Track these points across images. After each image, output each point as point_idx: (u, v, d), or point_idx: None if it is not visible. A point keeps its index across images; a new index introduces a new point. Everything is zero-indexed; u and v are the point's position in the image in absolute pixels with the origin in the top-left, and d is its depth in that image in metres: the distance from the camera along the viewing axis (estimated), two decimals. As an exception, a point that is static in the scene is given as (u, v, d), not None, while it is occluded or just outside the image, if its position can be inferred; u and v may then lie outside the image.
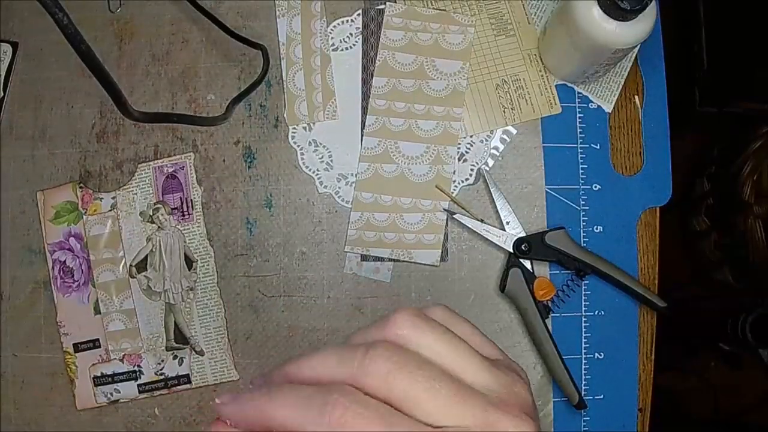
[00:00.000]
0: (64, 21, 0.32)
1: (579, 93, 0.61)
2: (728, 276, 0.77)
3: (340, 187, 0.61)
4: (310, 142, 0.61)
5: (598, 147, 0.61)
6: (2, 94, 0.64)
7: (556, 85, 0.61)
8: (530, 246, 0.59)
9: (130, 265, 0.62)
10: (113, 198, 0.63)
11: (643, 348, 0.62)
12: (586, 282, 0.61)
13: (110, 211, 0.63)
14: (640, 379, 0.61)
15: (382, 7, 0.62)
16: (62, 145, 0.63)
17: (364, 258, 0.60)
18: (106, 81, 0.36)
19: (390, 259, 0.60)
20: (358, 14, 0.62)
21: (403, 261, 0.60)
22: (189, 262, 0.62)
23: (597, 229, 0.61)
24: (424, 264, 0.60)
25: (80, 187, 0.63)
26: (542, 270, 0.60)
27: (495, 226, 0.60)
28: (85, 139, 0.63)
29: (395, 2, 0.62)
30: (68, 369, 0.63)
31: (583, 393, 0.60)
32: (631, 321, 0.61)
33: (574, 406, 0.59)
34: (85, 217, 0.63)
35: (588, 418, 0.61)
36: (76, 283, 0.63)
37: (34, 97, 0.63)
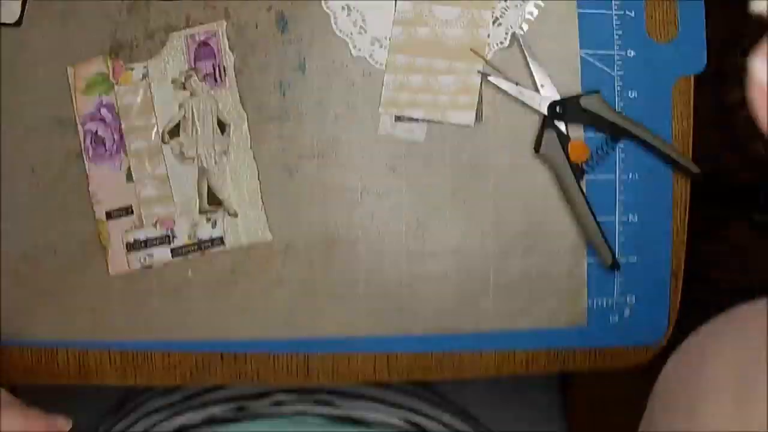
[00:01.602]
0: None
1: (615, -42, 0.61)
2: (762, 148, 0.77)
3: (374, 50, 0.61)
4: (343, 6, 0.61)
5: (632, 14, 0.61)
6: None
7: (592, -50, 0.61)
8: (565, 109, 0.59)
9: (163, 131, 0.63)
10: (145, 67, 0.63)
11: (677, 212, 0.62)
12: (620, 146, 0.61)
13: (142, 80, 0.63)
14: (674, 243, 0.62)
15: None
16: (92, 18, 0.62)
17: (398, 119, 0.61)
18: None
19: (424, 120, 0.60)
20: None
21: (437, 122, 0.60)
22: (222, 126, 0.62)
23: (632, 94, 0.61)
24: (459, 125, 0.61)
25: (111, 58, 0.63)
26: (577, 133, 0.61)
27: (530, 89, 0.60)
28: (116, 10, 0.62)
29: None
30: (101, 237, 0.63)
31: (616, 254, 0.61)
32: (666, 185, 0.62)
33: (607, 267, 0.59)
34: (117, 87, 0.63)
35: (621, 279, 0.62)
36: (108, 152, 0.63)
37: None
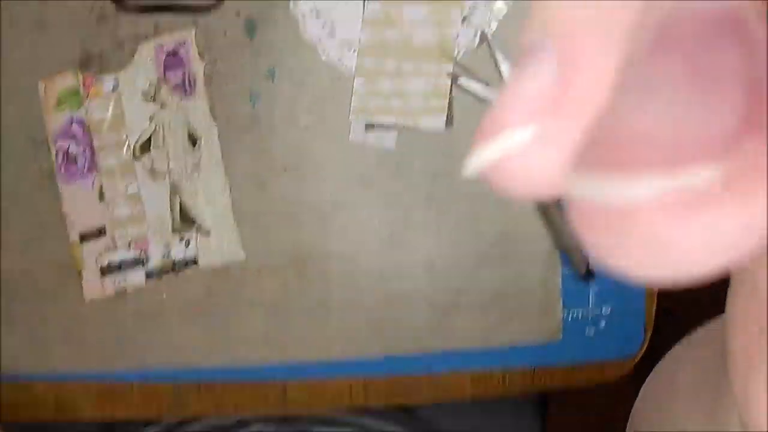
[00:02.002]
0: None
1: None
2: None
3: (343, 55, 0.60)
4: (311, 10, 0.60)
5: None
6: (-1, -16, 0.63)
7: (561, -55, 0.60)
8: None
9: (134, 147, 0.62)
10: (115, 79, 0.62)
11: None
12: (596, 144, 0.59)
13: (112, 92, 0.62)
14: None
15: None
16: (62, 31, 0.62)
17: (369, 126, 0.59)
18: None
19: (395, 126, 0.59)
20: None
21: (409, 127, 0.59)
22: (193, 139, 0.61)
23: (607, 90, 0.60)
24: (430, 129, 0.59)
25: (81, 71, 0.62)
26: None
27: (500, 90, 0.58)
28: (84, 22, 0.62)
29: None
30: (75, 260, 0.62)
31: (590, 264, 0.59)
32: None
33: (582, 276, 0.57)
34: (87, 101, 0.62)
35: (596, 290, 0.60)
36: (80, 171, 0.62)
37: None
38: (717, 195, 0.09)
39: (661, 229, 0.10)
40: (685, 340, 0.39)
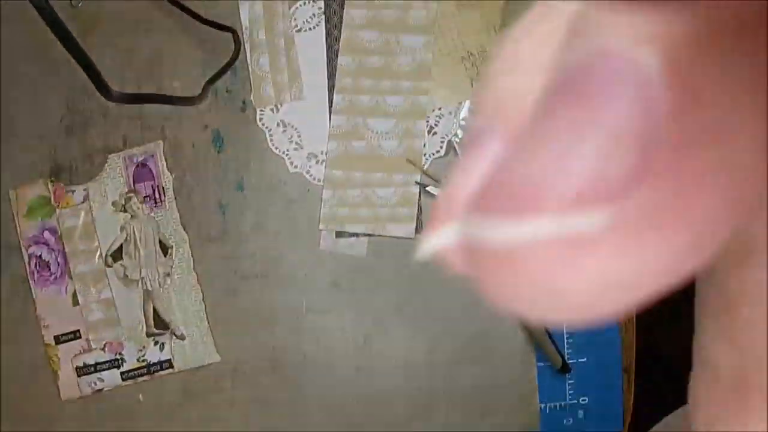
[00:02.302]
0: (41, 3, 0.31)
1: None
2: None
3: (311, 166, 0.61)
4: (278, 123, 0.61)
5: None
6: (-32, 91, 0.63)
7: (521, 54, 0.61)
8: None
9: (106, 255, 0.62)
10: (85, 190, 0.63)
11: (622, 310, 0.62)
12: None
13: (83, 203, 0.63)
14: (623, 339, 0.62)
15: (343, -16, 0.62)
16: (32, 141, 0.62)
17: (339, 234, 0.61)
18: (86, 62, 0.35)
19: (365, 235, 0.60)
20: (320, -7, 0.62)
21: (378, 235, 0.60)
22: (164, 248, 0.62)
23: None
24: (400, 237, 0.60)
25: (51, 182, 0.63)
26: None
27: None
28: (54, 132, 0.62)
29: (356, -21, 0.62)
30: (50, 361, 0.63)
31: (566, 356, 0.61)
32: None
33: (558, 371, 0.59)
34: (58, 210, 0.63)
35: (572, 381, 0.62)
36: (53, 276, 0.63)
37: (0, 93, 0.63)
38: (605, 240, 0.09)
39: (549, 273, 0.10)
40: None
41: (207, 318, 0.62)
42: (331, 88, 0.61)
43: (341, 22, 0.61)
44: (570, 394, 0.62)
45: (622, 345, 0.62)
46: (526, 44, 0.13)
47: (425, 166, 0.61)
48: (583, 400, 0.62)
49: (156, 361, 0.62)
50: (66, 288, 0.63)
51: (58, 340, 0.63)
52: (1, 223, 0.62)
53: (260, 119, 0.61)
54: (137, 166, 0.62)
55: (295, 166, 0.61)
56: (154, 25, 0.63)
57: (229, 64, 0.60)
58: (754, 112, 0.10)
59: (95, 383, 0.63)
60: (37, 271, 0.63)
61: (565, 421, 0.62)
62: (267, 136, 0.61)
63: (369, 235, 0.60)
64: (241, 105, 0.61)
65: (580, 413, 0.62)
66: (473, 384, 0.61)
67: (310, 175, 0.61)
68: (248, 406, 0.62)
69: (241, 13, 0.62)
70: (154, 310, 0.62)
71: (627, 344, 0.61)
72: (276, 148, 0.61)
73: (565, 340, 0.61)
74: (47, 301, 0.63)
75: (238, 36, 0.61)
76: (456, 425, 0.61)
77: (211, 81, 0.58)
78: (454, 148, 0.61)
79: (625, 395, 0.63)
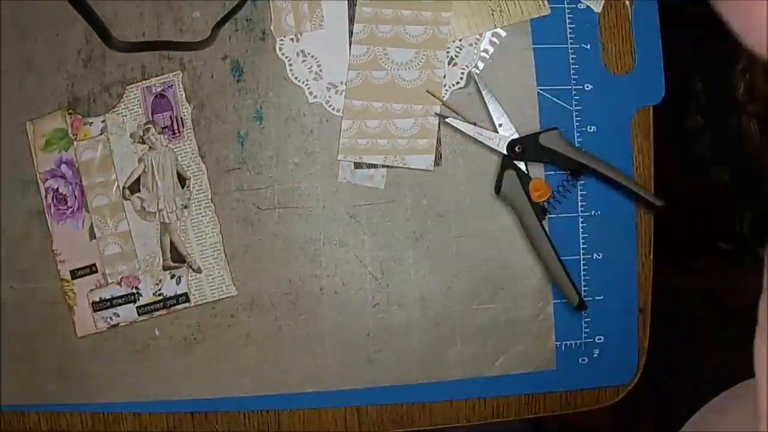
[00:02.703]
0: None
1: (567, -7, 0.61)
2: (724, 174, 0.77)
3: (330, 96, 0.60)
4: (298, 52, 0.60)
5: (588, 47, 0.61)
6: (-15, 25, 0.63)
7: (544, -15, 0.60)
8: (524, 147, 0.59)
9: (123, 187, 0.62)
10: (103, 121, 0.62)
11: (641, 248, 0.61)
12: (581, 182, 0.60)
13: (100, 135, 0.62)
14: (639, 279, 0.61)
15: None
16: (49, 73, 0.62)
17: (358, 166, 0.60)
18: (87, 13, 0.35)
19: (383, 166, 0.60)
20: None
21: (397, 167, 0.60)
22: (182, 180, 0.62)
23: (591, 129, 0.61)
24: (418, 169, 0.60)
25: (69, 114, 0.62)
26: (537, 171, 0.60)
27: (488, 129, 0.59)
28: (72, 65, 0.62)
29: None
30: (66, 297, 0.63)
31: (582, 294, 0.60)
32: (629, 220, 0.61)
33: (574, 308, 0.59)
34: (75, 142, 0.62)
35: (588, 319, 0.61)
36: (70, 210, 0.63)
37: (19, 27, 0.63)
38: None
39: None
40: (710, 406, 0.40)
41: (224, 251, 0.61)
42: (351, 18, 0.60)
43: (362, -47, 0.60)
44: (586, 333, 0.62)
45: (639, 284, 0.61)
46: None
47: (445, 98, 0.60)
48: (598, 339, 0.62)
49: (172, 294, 0.62)
50: (83, 221, 0.63)
51: (75, 274, 0.63)
52: (18, 156, 0.62)
53: (280, 49, 0.61)
54: (155, 96, 0.62)
55: (315, 96, 0.60)
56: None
57: (240, 5, 0.59)
58: None
59: (111, 318, 0.63)
60: (54, 205, 0.63)
61: (580, 360, 0.62)
62: (286, 65, 0.61)
63: (387, 166, 0.60)
64: (260, 35, 0.61)
65: (596, 352, 0.62)
66: (489, 320, 0.61)
67: (330, 106, 0.60)
68: (263, 341, 0.61)
69: (260, -56, 0.61)
70: (171, 243, 0.62)
71: (643, 283, 0.61)
72: (295, 78, 0.61)
73: (582, 278, 0.61)
74: (64, 235, 0.63)
75: (254, -33, 0.60)
76: (470, 362, 0.61)
77: (221, 23, 0.57)
78: (474, 79, 0.60)
79: (640, 335, 0.62)
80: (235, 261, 0.61)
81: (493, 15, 0.60)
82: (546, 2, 0.60)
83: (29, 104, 0.62)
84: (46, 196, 0.63)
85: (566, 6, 0.61)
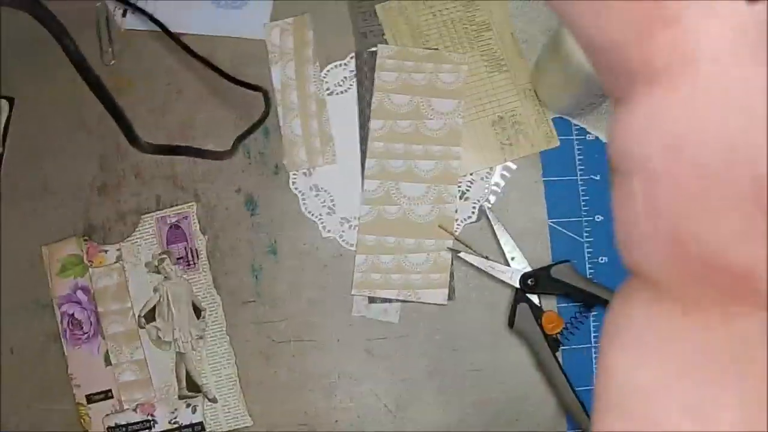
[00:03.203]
0: (71, 48, 0.31)
1: (576, 125, 0.61)
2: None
3: (343, 231, 0.61)
4: (311, 187, 0.61)
5: (598, 178, 0.62)
6: (1, 149, 0.64)
7: (552, 119, 0.61)
8: (536, 280, 0.59)
9: (139, 316, 0.63)
10: (118, 250, 0.63)
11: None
12: (594, 313, 0.61)
13: (116, 263, 0.63)
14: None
15: (374, 49, 0.62)
16: (65, 199, 0.63)
17: (372, 300, 0.61)
18: (116, 112, 0.35)
19: (397, 300, 0.60)
20: (351, 57, 0.62)
21: (411, 301, 0.60)
22: (197, 310, 0.62)
23: (602, 260, 0.61)
24: (432, 303, 0.61)
25: (85, 240, 0.63)
26: (550, 303, 0.61)
27: (500, 263, 0.60)
28: (87, 192, 0.63)
29: (387, 44, 0.62)
30: (82, 420, 0.63)
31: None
32: (640, 349, 0.61)
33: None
34: (91, 269, 0.63)
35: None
36: (86, 335, 0.63)
37: (34, 152, 0.64)
38: None
39: None
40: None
41: (239, 381, 0.62)
42: (363, 153, 0.61)
43: (372, 86, 0.61)
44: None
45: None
46: None
47: (457, 232, 0.61)
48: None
49: (188, 423, 0.63)
50: (98, 347, 0.63)
51: (90, 399, 0.63)
52: (35, 280, 0.63)
53: (293, 183, 0.61)
54: (170, 227, 0.63)
55: (328, 231, 0.61)
56: (187, 86, 0.63)
57: (260, 122, 0.60)
58: None
59: (127, 443, 0.63)
60: (70, 330, 0.64)
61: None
62: (300, 200, 0.61)
63: (402, 300, 0.61)
64: (273, 168, 0.62)
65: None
66: (505, 450, 0.61)
67: (343, 240, 0.61)
68: (280, 470, 0.62)
69: (272, 75, 0.62)
70: (187, 372, 0.63)
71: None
72: (309, 212, 0.61)
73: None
74: (79, 360, 0.63)
75: (268, 95, 0.61)
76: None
77: (242, 137, 0.58)
78: (486, 213, 0.61)
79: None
80: (251, 391, 0.62)
81: (503, 149, 0.61)
82: (555, 134, 0.61)
83: (45, 228, 0.63)
84: (62, 321, 0.64)
85: (575, 137, 0.62)
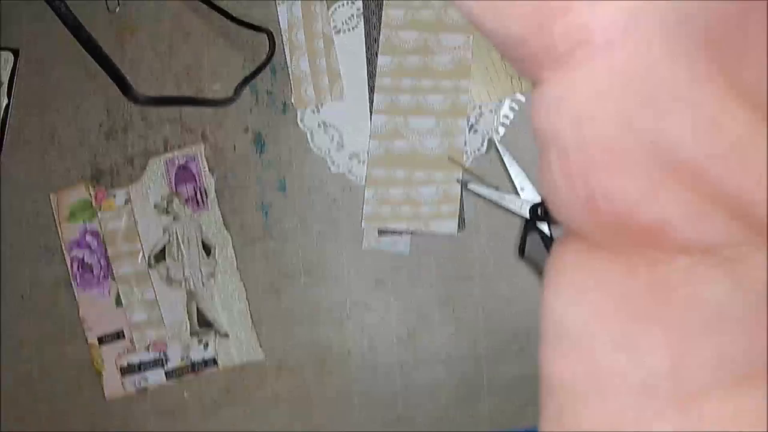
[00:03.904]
0: (61, 9, 0.31)
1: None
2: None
3: (352, 166, 0.61)
4: (319, 123, 0.61)
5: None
6: (8, 101, 0.64)
7: (559, 50, 0.62)
8: (546, 210, 0.60)
9: (149, 257, 0.63)
10: (126, 193, 0.63)
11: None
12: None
13: (125, 205, 0.63)
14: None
15: (381, -16, 0.62)
16: (72, 146, 0.63)
17: (382, 232, 0.61)
18: (109, 67, 0.36)
19: (408, 232, 0.61)
20: (359, -6, 0.62)
21: (421, 233, 0.61)
22: (207, 248, 0.63)
23: (609, 190, 0.62)
24: (442, 234, 0.61)
25: (93, 185, 0.63)
26: (560, 232, 0.61)
27: (510, 193, 0.60)
28: (94, 137, 0.63)
29: (394, -22, 0.62)
30: (94, 362, 0.63)
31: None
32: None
33: None
34: (100, 213, 0.63)
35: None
36: (96, 278, 0.64)
37: (40, 101, 0.63)
38: None
39: None
40: None
41: (251, 316, 0.62)
42: (371, 88, 0.61)
43: (380, 23, 0.61)
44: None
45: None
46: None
47: (467, 164, 0.61)
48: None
49: (200, 359, 0.63)
50: (109, 290, 0.64)
51: (102, 340, 0.64)
52: (43, 227, 0.63)
53: (301, 120, 0.62)
54: (179, 168, 0.63)
55: (337, 166, 0.61)
56: (193, 29, 0.63)
57: (263, 65, 0.60)
58: None
59: (140, 382, 0.64)
60: (80, 274, 0.64)
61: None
62: (308, 136, 0.62)
63: (411, 232, 0.61)
64: (281, 106, 0.62)
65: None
66: (516, 376, 0.62)
67: (352, 175, 0.61)
68: (292, 403, 0.62)
69: (279, 15, 0.62)
70: (198, 309, 0.63)
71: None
72: (317, 149, 0.62)
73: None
74: (90, 303, 0.64)
75: (272, 36, 0.61)
76: (498, 417, 0.62)
77: (244, 83, 0.58)
78: (495, 144, 0.61)
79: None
80: (262, 326, 0.62)
81: (512, 81, 0.61)
82: (562, 67, 0.61)
83: (52, 176, 0.63)
84: (71, 265, 0.64)
85: (582, 69, 0.62)
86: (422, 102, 0.60)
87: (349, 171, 0.61)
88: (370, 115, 0.61)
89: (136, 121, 0.63)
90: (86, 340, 0.64)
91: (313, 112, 0.61)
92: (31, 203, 0.63)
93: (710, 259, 0.16)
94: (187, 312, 0.63)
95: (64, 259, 0.64)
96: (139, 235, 0.63)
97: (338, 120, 0.61)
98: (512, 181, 0.61)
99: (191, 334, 0.63)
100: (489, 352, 0.62)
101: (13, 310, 0.63)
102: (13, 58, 0.64)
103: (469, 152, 0.61)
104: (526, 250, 0.60)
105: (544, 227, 0.60)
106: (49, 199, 0.63)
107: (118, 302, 0.63)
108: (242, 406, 0.63)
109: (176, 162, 0.63)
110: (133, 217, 0.63)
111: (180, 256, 0.63)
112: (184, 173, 0.62)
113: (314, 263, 0.62)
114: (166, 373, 0.63)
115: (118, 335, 0.64)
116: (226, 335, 0.63)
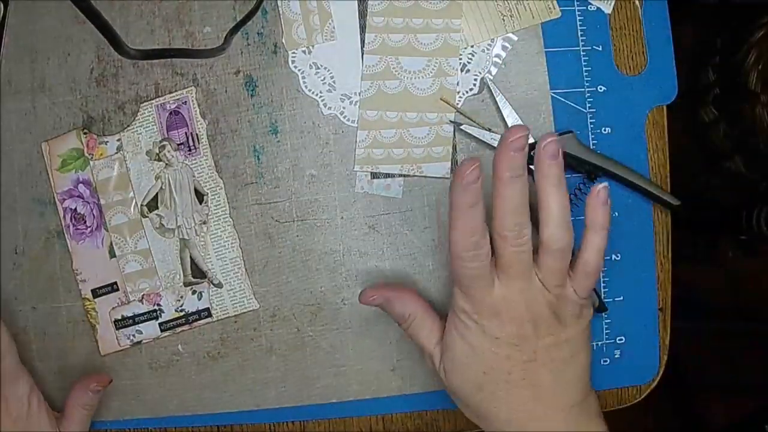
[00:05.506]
0: None
1: (578, -5, 0.61)
2: (740, 165, 0.76)
3: (344, 107, 0.60)
4: (310, 65, 0.61)
5: (600, 49, 0.61)
6: (-3, 50, 0.63)
7: (553, -11, 0.61)
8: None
9: (141, 205, 0.62)
10: (118, 140, 0.62)
11: (659, 247, 0.61)
12: (599, 184, 0.60)
13: (116, 153, 0.63)
14: (659, 278, 0.61)
15: (372, -77, 0.61)
16: (62, 94, 0.62)
17: (374, 176, 0.60)
18: (100, 22, 0.35)
19: (400, 175, 0.60)
20: (349, -68, 0.61)
21: (413, 176, 0.60)
22: (200, 195, 0.62)
23: (605, 130, 0.61)
24: (435, 177, 0.60)
25: (84, 133, 0.62)
26: (553, 174, 0.60)
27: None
28: (85, 84, 0.62)
29: None
30: (89, 315, 0.63)
31: (602, 295, 0.60)
32: (646, 220, 0.61)
33: (594, 310, 0.59)
34: (92, 162, 0.63)
35: (609, 321, 0.62)
36: (89, 229, 0.63)
37: (29, 49, 0.63)
38: None
39: None
40: None
41: (244, 265, 0.62)
42: (362, 28, 0.60)
43: (370, -38, 0.60)
44: (606, 334, 0.62)
45: (658, 283, 0.61)
46: None
47: (459, 105, 0.60)
48: (620, 340, 0.62)
49: (194, 310, 0.62)
50: (102, 240, 0.63)
51: (96, 293, 0.63)
52: (34, 177, 0.62)
53: (292, 62, 0.61)
54: (170, 113, 0.62)
55: (329, 108, 0.61)
56: (182, -28, 0.63)
57: (253, 12, 0.59)
58: None
59: (134, 336, 0.63)
60: (73, 225, 0.63)
61: (602, 361, 0.62)
62: (300, 78, 0.61)
63: (404, 175, 0.60)
64: (272, 48, 0.61)
65: (617, 353, 0.62)
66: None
67: (344, 117, 0.60)
68: (287, 352, 0.62)
69: (269, -44, 0.62)
70: (191, 259, 0.62)
71: (662, 282, 0.61)
72: (309, 91, 0.61)
73: (601, 279, 0.61)
74: (84, 255, 0.63)
75: (263, -22, 0.60)
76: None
77: (234, 30, 0.57)
78: (487, 85, 0.60)
79: (661, 334, 0.62)
80: (256, 274, 0.61)
81: (504, 20, 0.60)
82: (556, 5, 0.60)
83: (43, 125, 0.62)
84: (64, 217, 0.63)
85: (576, 8, 0.61)
86: (414, 41, 0.60)
87: (341, 113, 0.60)
88: (362, 55, 0.60)
89: (126, 66, 0.62)
90: (80, 293, 0.63)
91: (305, 53, 0.61)
92: (22, 154, 0.62)
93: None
94: (181, 261, 0.62)
95: (57, 211, 0.63)
96: (131, 182, 0.62)
97: (330, 61, 0.60)
98: (505, 122, 0.60)
99: (185, 284, 0.63)
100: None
101: (7, 263, 0.62)
102: (2, 7, 0.64)
103: (461, 93, 0.60)
104: (520, 190, 0.59)
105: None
106: (41, 149, 0.63)
107: (112, 253, 0.63)
108: (236, 357, 0.62)
109: (167, 107, 0.62)
110: (126, 164, 0.62)
111: (173, 204, 0.62)
112: (175, 118, 0.62)
113: (307, 209, 0.61)
114: (160, 326, 0.63)
115: (112, 287, 0.63)
116: (220, 285, 0.62)
